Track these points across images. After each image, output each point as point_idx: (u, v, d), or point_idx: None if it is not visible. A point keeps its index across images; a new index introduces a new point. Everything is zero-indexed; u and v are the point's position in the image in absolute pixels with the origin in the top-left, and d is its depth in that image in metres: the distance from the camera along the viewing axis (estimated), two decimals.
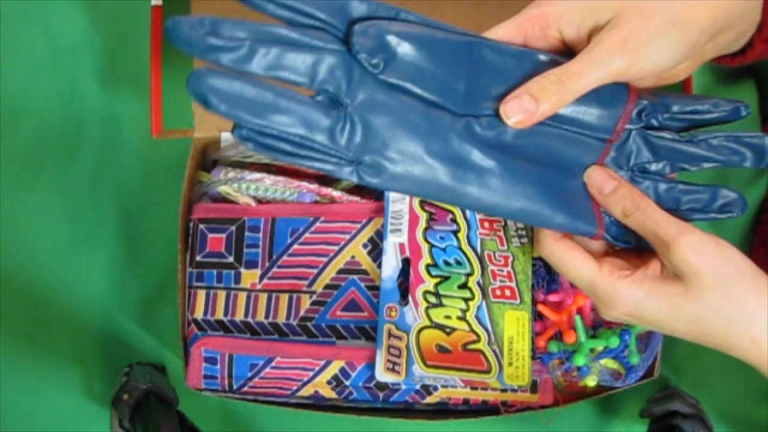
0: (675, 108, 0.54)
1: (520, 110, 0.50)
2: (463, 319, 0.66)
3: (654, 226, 0.51)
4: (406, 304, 0.67)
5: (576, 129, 0.53)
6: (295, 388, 0.67)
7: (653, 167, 0.54)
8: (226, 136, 0.72)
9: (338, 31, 0.49)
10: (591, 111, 0.52)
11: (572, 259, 0.53)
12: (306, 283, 0.69)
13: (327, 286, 0.68)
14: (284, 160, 0.48)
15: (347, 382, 0.67)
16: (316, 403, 0.68)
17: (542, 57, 0.51)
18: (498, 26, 0.52)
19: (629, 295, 0.51)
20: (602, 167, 0.53)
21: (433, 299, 0.67)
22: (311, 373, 0.67)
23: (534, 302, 0.68)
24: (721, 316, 0.50)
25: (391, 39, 0.49)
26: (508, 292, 0.67)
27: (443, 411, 0.68)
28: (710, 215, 0.55)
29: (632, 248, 0.54)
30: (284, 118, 0.47)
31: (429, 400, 0.68)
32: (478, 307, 0.66)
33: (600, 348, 0.67)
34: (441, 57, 0.50)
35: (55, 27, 0.78)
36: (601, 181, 0.53)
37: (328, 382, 0.67)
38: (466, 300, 0.67)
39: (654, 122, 0.54)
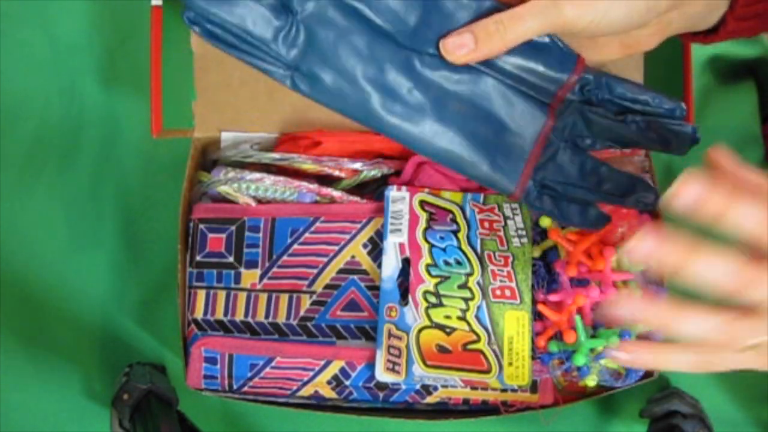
0: (618, 91, 0.55)
1: (459, 46, 0.50)
2: (463, 319, 0.66)
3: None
4: (406, 304, 0.67)
5: (519, 86, 0.53)
6: (295, 388, 0.67)
7: (585, 142, 0.55)
8: (226, 136, 0.72)
9: None
10: (536, 71, 0.53)
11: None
12: (306, 283, 0.69)
13: (327, 286, 0.68)
14: (226, 51, 0.49)
15: (347, 382, 0.67)
16: (316, 403, 0.68)
17: (497, 6, 0.52)
18: None
19: None
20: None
21: (433, 299, 0.67)
22: (311, 373, 0.67)
23: (534, 302, 0.68)
24: None
25: None
26: (508, 292, 0.67)
27: (443, 411, 0.68)
28: (624, 203, 0.55)
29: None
30: (235, 9, 0.48)
31: (429, 400, 0.68)
32: (478, 307, 0.66)
33: (600, 348, 0.67)
34: None
35: (55, 27, 0.78)
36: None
37: (328, 382, 0.67)
38: (466, 300, 0.67)
39: (593, 98, 0.54)
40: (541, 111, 0.53)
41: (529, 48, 0.52)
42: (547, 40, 0.53)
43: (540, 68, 0.53)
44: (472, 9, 0.51)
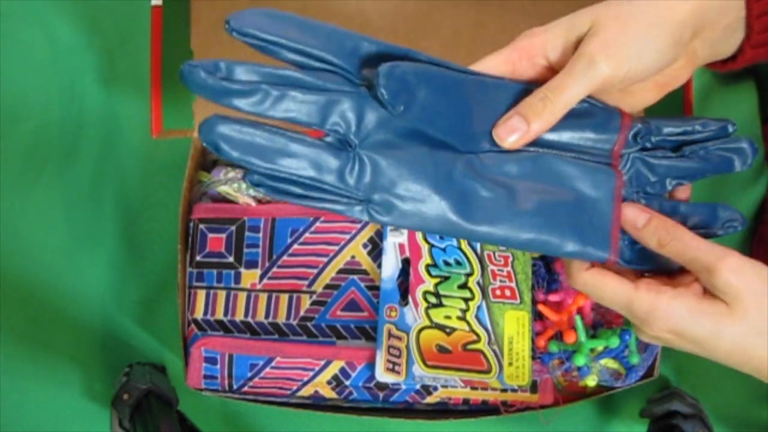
0: (666, 130, 0.55)
1: (512, 131, 0.50)
2: (463, 319, 0.66)
3: (693, 253, 0.51)
4: (406, 304, 0.67)
5: (577, 155, 0.53)
6: (295, 388, 0.67)
7: (654, 188, 0.55)
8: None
9: (348, 73, 0.49)
10: (587, 137, 0.53)
11: (606, 284, 0.52)
12: (306, 283, 0.69)
13: (327, 286, 0.68)
14: (296, 203, 0.49)
15: (347, 382, 0.67)
16: (316, 403, 0.68)
17: (531, 86, 0.52)
18: (486, 58, 0.53)
19: (670, 311, 0.50)
20: (633, 203, 0.53)
21: (433, 299, 0.67)
22: (311, 373, 0.67)
23: (534, 302, 0.68)
24: (764, 336, 0.50)
25: (412, 81, 0.49)
26: (508, 292, 0.67)
27: (443, 411, 0.68)
28: (714, 231, 0.55)
29: (659, 271, 0.54)
30: (294, 161, 0.47)
31: (429, 400, 0.68)
32: (478, 307, 0.66)
33: (600, 348, 0.67)
34: (450, 97, 0.51)
35: (55, 27, 0.78)
36: (634, 215, 0.52)
37: (328, 382, 0.67)
38: (466, 300, 0.67)
39: (648, 144, 0.55)
40: (606, 173, 0.53)
41: (572, 117, 0.52)
42: (585, 105, 0.53)
43: (590, 133, 0.53)
44: (512, 95, 0.52)
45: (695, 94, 0.74)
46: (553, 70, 0.52)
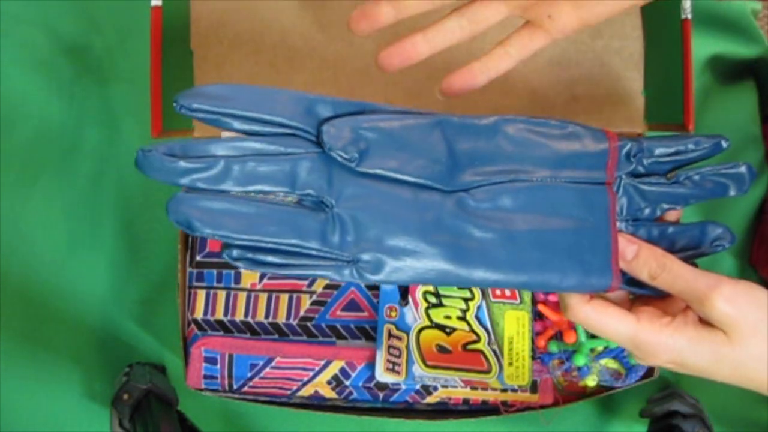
0: (658, 151, 0.54)
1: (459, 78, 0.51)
2: (463, 319, 0.66)
3: (684, 284, 0.50)
4: (406, 304, 0.67)
5: (572, 177, 0.51)
6: (295, 388, 0.67)
7: (644, 214, 0.54)
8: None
9: (309, 135, 0.48)
10: (578, 153, 0.52)
11: (609, 318, 0.51)
12: (306, 282, 0.69)
13: (327, 286, 0.68)
14: (279, 274, 0.47)
15: (347, 382, 0.67)
16: (316, 403, 0.68)
17: (508, 123, 0.52)
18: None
19: (672, 344, 0.51)
20: (621, 234, 0.52)
21: (433, 299, 0.67)
22: (311, 373, 0.67)
23: (534, 302, 0.68)
24: (764, 361, 0.50)
25: (362, 130, 0.48)
26: (508, 292, 0.67)
27: (443, 411, 0.68)
28: (702, 251, 0.54)
29: (653, 295, 0.54)
30: (274, 228, 0.45)
31: (429, 400, 0.68)
32: (478, 307, 0.66)
33: (600, 348, 0.67)
34: (415, 139, 0.49)
35: (55, 27, 0.78)
36: (622, 247, 0.51)
37: (328, 382, 0.67)
38: (466, 300, 0.67)
39: (641, 168, 0.53)
40: (600, 192, 0.51)
41: (561, 140, 0.51)
42: (570, 128, 0.52)
43: (581, 152, 0.52)
44: (490, 131, 0.51)
45: (695, 94, 0.73)
46: None
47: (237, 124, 0.48)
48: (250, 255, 0.46)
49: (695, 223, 0.55)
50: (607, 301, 0.52)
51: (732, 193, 0.54)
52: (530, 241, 0.49)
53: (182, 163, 0.46)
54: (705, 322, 0.51)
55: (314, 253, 0.46)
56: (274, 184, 0.47)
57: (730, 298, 0.49)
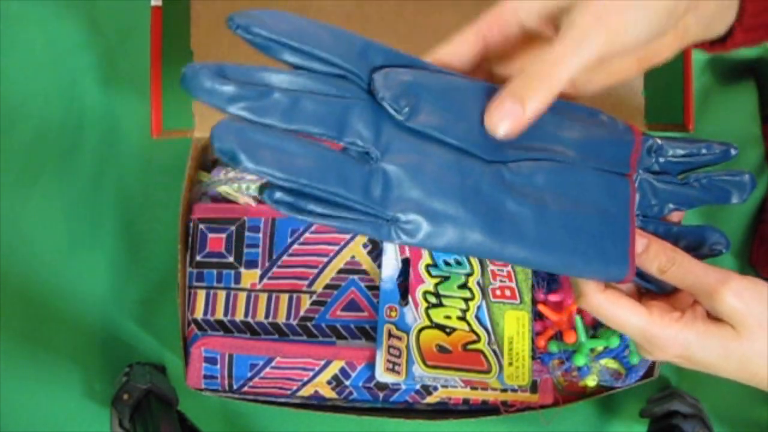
0: (672, 152, 0.54)
1: (506, 115, 0.46)
2: (463, 319, 0.66)
3: (694, 279, 0.50)
4: (406, 304, 0.67)
5: (597, 164, 0.51)
6: (295, 388, 0.67)
7: (652, 211, 0.54)
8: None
9: (360, 80, 0.45)
10: (605, 144, 0.51)
11: (621, 309, 0.51)
12: (306, 283, 0.69)
13: (327, 286, 0.68)
14: (319, 223, 0.43)
15: (347, 382, 0.67)
16: (316, 403, 0.68)
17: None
18: (455, 37, 0.49)
19: (682, 338, 0.50)
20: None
21: (433, 299, 0.67)
22: (311, 373, 0.67)
23: (534, 302, 0.68)
24: (765, 357, 0.50)
25: (415, 84, 0.46)
26: (508, 292, 0.67)
27: (443, 411, 0.68)
28: (702, 253, 0.55)
29: (660, 289, 0.54)
30: (319, 173, 0.42)
31: (429, 400, 0.68)
32: (478, 307, 0.66)
33: (600, 348, 0.67)
34: (462, 101, 0.47)
35: (55, 27, 0.78)
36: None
37: (328, 382, 0.67)
38: (466, 300, 0.67)
39: (656, 166, 0.54)
40: (622, 182, 0.51)
41: (588, 125, 0.50)
42: (601, 116, 0.52)
43: (607, 141, 0.51)
44: None
45: (695, 94, 0.73)
46: (529, 40, 0.49)
47: (289, 56, 0.44)
48: (290, 199, 0.42)
49: (696, 225, 0.55)
50: (620, 292, 0.52)
51: (734, 200, 0.55)
52: (560, 222, 0.48)
53: (232, 88, 0.42)
54: (713, 318, 0.51)
55: (356, 206, 0.44)
56: (322, 127, 0.44)
57: (739, 292, 0.49)
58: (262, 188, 0.43)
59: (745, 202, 0.56)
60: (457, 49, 0.49)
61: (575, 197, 0.50)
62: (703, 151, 0.54)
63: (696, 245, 0.54)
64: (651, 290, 0.53)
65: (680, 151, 0.54)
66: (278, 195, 0.42)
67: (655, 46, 0.52)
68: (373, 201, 0.44)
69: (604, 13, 0.47)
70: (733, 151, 0.55)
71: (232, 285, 0.69)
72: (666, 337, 0.50)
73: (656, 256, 0.51)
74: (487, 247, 0.46)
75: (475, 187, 0.47)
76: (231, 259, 0.69)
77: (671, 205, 0.54)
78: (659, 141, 0.54)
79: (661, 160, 0.54)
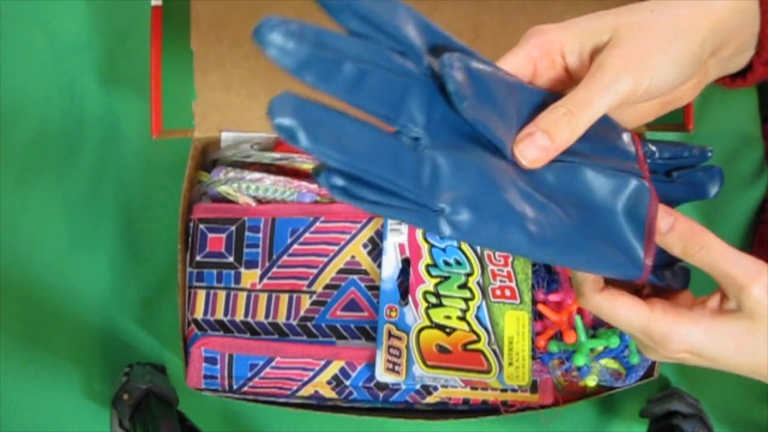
0: (659, 155, 0.54)
1: (535, 148, 0.47)
2: (463, 319, 0.66)
3: (725, 265, 0.49)
4: (406, 304, 0.67)
5: (610, 165, 0.51)
6: (295, 388, 0.67)
7: None
8: (226, 136, 0.72)
9: (419, 59, 0.43)
10: (613, 144, 0.51)
11: (621, 307, 0.50)
12: (306, 283, 0.69)
13: (327, 286, 0.68)
14: (369, 210, 0.41)
15: (347, 382, 0.67)
16: (316, 403, 0.68)
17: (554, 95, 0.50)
18: (507, 56, 0.49)
19: (687, 335, 0.50)
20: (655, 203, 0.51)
21: (433, 299, 0.67)
22: (311, 373, 0.67)
23: (534, 302, 0.68)
24: None
25: (478, 75, 0.44)
26: (508, 292, 0.67)
27: (443, 411, 0.68)
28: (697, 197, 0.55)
29: (661, 287, 0.53)
30: (378, 159, 0.40)
31: (429, 400, 0.68)
32: (478, 307, 0.66)
33: (600, 348, 0.67)
34: (501, 100, 0.47)
35: (55, 27, 0.78)
36: (657, 218, 0.50)
37: (328, 382, 0.67)
38: (466, 300, 0.67)
39: (651, 166, 0.54)
40: (639, 184, 0.50)
41: (598, 125, 0.50)
42: (609, 120, 0.52)
43: (615, 137, 0.51)
44: (540, 102, 0.49)
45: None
46: (568, 73, 0.51)
47: (353, 24, 0.41)
48: (344, 183, 0.40)
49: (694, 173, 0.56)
50: (619, 291, 0.51)
51: (711, 192, 0.55)
52: (584, 222, 0.48)
53: (306, 50, 0.39)
54: (725, 311, 0.50)
55: (406, 194, 0.42)
56: (381, 106, 0.41)
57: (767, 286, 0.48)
58: (317, 170, 0.40)
59: (716, 196, 0.55)
60: (508, 63, 0.50)
61: (592, 196, 0.50)
62: (685, 153, 0.55)
63: (694, 195, 0.55)
64: (658, 287, 0.53)
65: (667, 154, 0.55)
66: (335, 179, 0.40)
67: (679, 90, 0.52)
68: (423, 190, 0.42)
69: (633, 58, 0.48)
70: (709, 153, 0.56)
71: (232, 285, 0.69)
72: (670, 333, 0.50)
73: (682, 236, 0.50)
74: (523, 246, 0.46)
75: (514, 185, 0.46)
76: (231, 259, 0.69)
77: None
78: (652, 147, 0.54)
79: (649, 161, 0.54)
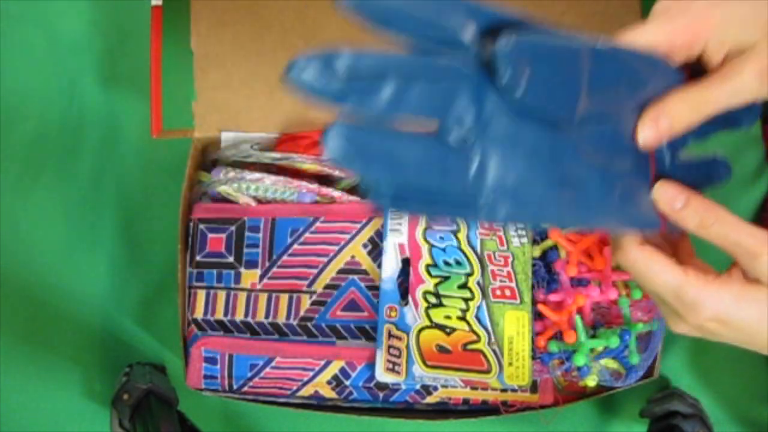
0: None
1: (656, 132, 0.48)
2: (463, 319, 0.66)
3: (737, 236, 0.49)
4: (406, 304, 0.67)
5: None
6: (295, 388, 0.67)
7: None
8: (226, 136, 0.72)
9: (466, 48, 0.42)
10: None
11: (658, 263, 0.50)
12: (306, 283, 0.69)
13: (327, 286, 0.68)
14: (413, 214, 0.43)
15: (347, 382, 0.67)
16: (316, 403, 0.68)
17: (670, 71, 0.49)
18: (644, 29, 0.49)
19: (718, 300, 0.49)
20: (667, 181, 0.50)
21: (433, 299, 0.67)
22: (311, 373, 0.67)
23: (534, 302, 0.68)
24: None
25: (533, 58, 0.43)
26: (508, 292, 0.67)
27: (443, 411, 0.68)
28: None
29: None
30: (426, 170, 0.41)
31: (429, 400, 0.68)
32: (478, 307, 0.66)
33: (600, 348, 0.67)
34: (565, 72, 0.45)
35: (55, 27, 0.78)
36: (672, 195, 0.50)
37: (328, 382, 0.67)
38: (466, 300, 0.67)
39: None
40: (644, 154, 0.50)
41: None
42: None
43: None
44: (642, 74, 0.48)
45: None
46: (700, 63, 0.50)
47: (397, 23, 0.41)
48: (392, 195, 0.41)
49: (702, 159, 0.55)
50: (658, 250, 0.51)
51: (720, 177, 0.55)
52: (612, 184, 0.48)
53: (340, 84, 0.39)
54: (751, 281, 0.50)
55: (451, 194, 0.42)
56: (426, 112, 0.41)
57: None
58: (366, 189, 0.41)
59: (725, 182, 0.55)
60: (644, 37, 0.49)
61: (617, 156, 0.49)
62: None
63: (701, 181, 0.54)
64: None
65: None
66: (383, 194, 0.41)
67: None
68: (468, 188, 0.42)
69: None
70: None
71: (232, 285, 0.69)
72: (702, 298, 0.49)
73: (696, 211, 0.50)
74: (555, 219, 0.46)
75: (558, 160, 0.45)
76: (231, 259, 0.69)
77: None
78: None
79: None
